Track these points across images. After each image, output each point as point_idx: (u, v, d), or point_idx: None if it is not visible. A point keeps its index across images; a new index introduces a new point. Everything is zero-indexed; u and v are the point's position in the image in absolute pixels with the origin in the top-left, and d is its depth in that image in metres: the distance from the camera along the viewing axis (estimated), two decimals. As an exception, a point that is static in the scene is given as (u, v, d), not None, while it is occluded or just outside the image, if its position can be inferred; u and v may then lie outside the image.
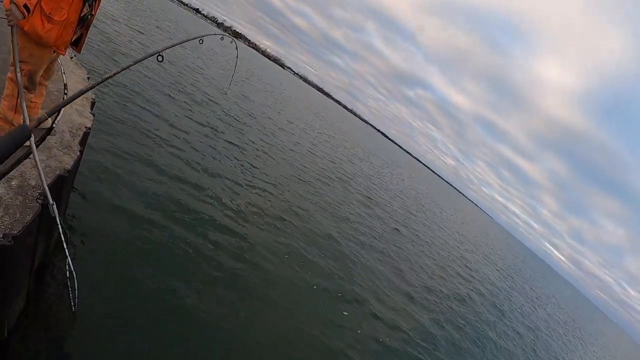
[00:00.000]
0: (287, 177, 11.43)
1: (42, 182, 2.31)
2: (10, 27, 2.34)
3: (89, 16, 2.93)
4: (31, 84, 2.76)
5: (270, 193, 9.06)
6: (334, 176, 15.65)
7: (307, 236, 8.04)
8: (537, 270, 66.55)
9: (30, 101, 3.01)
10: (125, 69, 1.96)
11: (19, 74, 2.44)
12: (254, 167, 10.19)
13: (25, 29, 2.50)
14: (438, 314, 8.82)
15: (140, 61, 2.08)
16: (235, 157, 10.02)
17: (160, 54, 2.11)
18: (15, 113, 2.69)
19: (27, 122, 2.29)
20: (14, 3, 2.19)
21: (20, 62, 2.56)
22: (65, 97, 4.02)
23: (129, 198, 5.34)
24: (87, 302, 3.39)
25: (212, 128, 11.22)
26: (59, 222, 2.52)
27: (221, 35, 3.87)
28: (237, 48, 4.63)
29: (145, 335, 3.63)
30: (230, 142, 10.93)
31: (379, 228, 12.45)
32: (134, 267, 4.22)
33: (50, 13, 2.54)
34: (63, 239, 2.61)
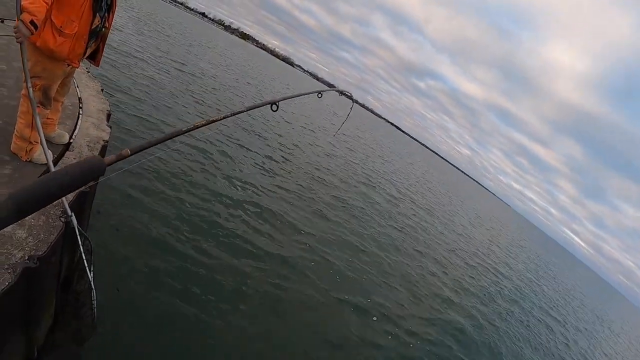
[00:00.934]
0: (313, 180, 11.46)
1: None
2: (19, 44, 2.33)
3: (103, 29, 2.92)
4: (46, 99, 2.76)
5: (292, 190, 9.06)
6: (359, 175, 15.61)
7: (332, 239, 8.05)
8: (557, 257, 65.63)
9: (47, 117, 3.02)
10: (237, 113, 1.91)
11: (30, 90, 2.43)
12: (272, 170, 10.19)
13: (38, 44, 2.50)
14: (469, 308, 8.80)
15: (255, 108, 2.07)
16: (256, 162, 10.04)
17: (276, 103, 2.13)
18: (32, 130, 2.70)
19: (44, 140, 2.31)
20: (21, 20, 2.18)
21: (33, 77, 2.57)
22: (80, 112, 4.03)
23: (148, 212, 5.38)
24: (107, 314, 3.42)
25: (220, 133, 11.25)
26: (78, 235, 2.54)
27: (339, 92, 3.91)
28: (352, 103, 4.63)
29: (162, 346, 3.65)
30: (240, 146, 10.96)
31: (399, 220, 12.38)
32: (152, 281, 4.23)
33: (61, 27, 2.54)
34: (82, 249, 2.60)
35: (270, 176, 9.62)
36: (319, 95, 3.08)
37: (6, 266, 1.87)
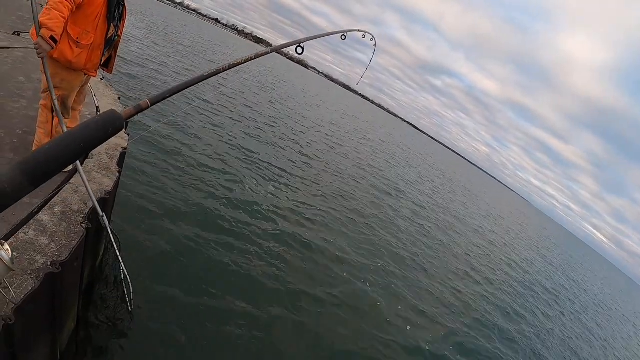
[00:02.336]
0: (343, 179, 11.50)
1: (90, 196, 2.39)
2: (41, 59, 2.40)
3: (116, 37, 2.99)
4: (64, 109, 2.84)
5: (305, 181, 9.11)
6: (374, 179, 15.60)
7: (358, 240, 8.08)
8: (579, 252, 64.69)
9: (66, 126, 3.10)
10: (261, 55, 1.81)
11: (55, 102, 2.51)
12: (296, 175, 10.25)
13: (55, 56, 2.57)
14: (493, 303, 8.72)
15: (280, 49, 2.01)
16: (279, 170, 10.13)
17: (301, 45, 2.07)
18: (51, 139, 2.76)
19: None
20: (41, 36, 2.24)
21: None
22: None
23: (167, 212, 5.49)
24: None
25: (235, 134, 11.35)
26: (110, 233, 2.67)
27: (363, 33, 4.04)
28: (374, 45, 4.74)
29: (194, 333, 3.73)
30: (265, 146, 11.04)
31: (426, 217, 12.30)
32: (174, 279, 4.30)
33: (77, 38, 2.61)
34: (116, 246, 2.69)
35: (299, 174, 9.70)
36: (343, 37, 3.19)
37: (29, 272, 1.93)
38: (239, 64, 1.73)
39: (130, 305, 2.97)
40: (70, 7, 2.37)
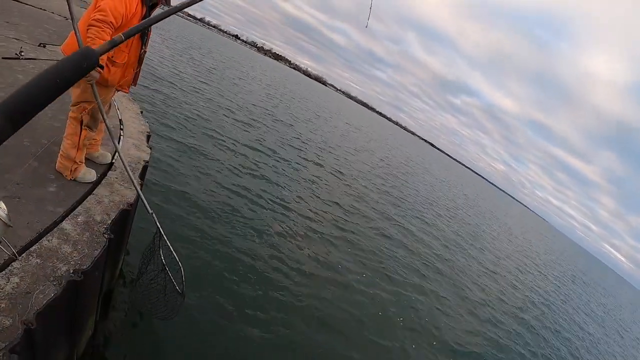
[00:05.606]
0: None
1: (135, 187, 2.45)
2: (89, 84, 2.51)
3: (143, 52, 3.10)
4: (93, 123, 2.94)
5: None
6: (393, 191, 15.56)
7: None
8: (598, 272, 63.16)
9: (92, 139, 3.20)
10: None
11: (106, 120, 2.63)
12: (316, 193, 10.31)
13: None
14: (507, 323, 8.52)
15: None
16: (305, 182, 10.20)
17: None
18: (78, 150, 2.86)
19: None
20: None
21: (84, 102, 2.77)
22: (121, 133, 4.23)
23: (191, 220, 5.70)
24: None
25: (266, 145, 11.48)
26: (159, 227, 2.80)
27: None
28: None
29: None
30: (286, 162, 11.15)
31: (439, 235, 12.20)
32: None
33: (112, 57, 2.73)
34: (165, 238, 2.83)
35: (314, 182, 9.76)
36: None
37: (52, 278, 1.99)
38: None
39: (183, 289, 3.03)
40: (111, 32, 2.48)
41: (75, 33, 2.34)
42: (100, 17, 2.41)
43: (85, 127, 2.87)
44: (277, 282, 5.44)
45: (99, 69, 2.43)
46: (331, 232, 8.22)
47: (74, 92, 2.78)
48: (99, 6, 2.46)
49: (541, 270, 19.34)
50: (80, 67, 1.12)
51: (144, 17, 2.80)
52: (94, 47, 2.36)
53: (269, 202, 8.05)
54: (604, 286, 40.02)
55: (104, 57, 2.48)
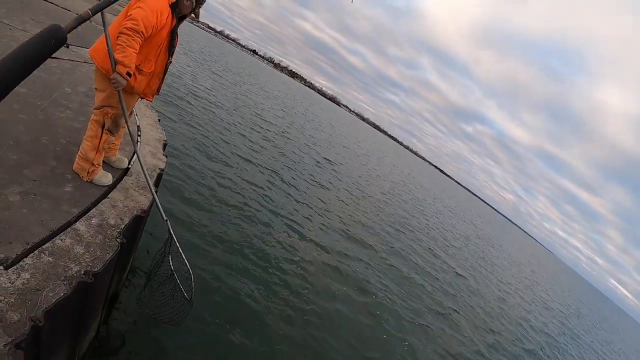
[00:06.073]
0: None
1: (151, 192, 2.46)
2: (117, 90, 2.63)
3: (169, 63, 3.16)
4: (115, 127, 2.98)
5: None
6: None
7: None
8: (603, 307, 61.88)
9: (112, 143, 3.24)
10: None
11: (129, 126, 2.67)
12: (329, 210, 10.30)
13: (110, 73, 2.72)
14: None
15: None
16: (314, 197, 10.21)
17: None
18: (97, 153, 2.89)
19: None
20: (118, 72, 2.46)
21: (107, 106, 2.82)
22: (139, 139, 4.27)
23: (200, 229, 5.74)
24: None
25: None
26: (172, 234, 2.88)
27: None
28: None
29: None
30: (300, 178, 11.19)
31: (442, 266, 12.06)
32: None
33: (140, 65, 2.80)
34: (178, 245, 2.88)
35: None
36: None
37: (62, 278, 1.99)
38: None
39: (192, 295, 3.03)
40: (141, 41, 2.56)
41: (106, 36, 2.41)
42: (132, 25, 2.47)
43: (107, 131, 2.90)
44: (283, 297, 5.43)
45: (127, 77, 2.51)
46: (339, 252, 8.19)
47: (98, 96, 2.83)
48: (131, 15, 2.53)
49: (547, 304, 18.96)
50: (49, 44, 1.12)
51: (172, 30, 2.88)
52: (122, 55, 2.43)
53: (279, 216, 8.07)
54: (610, 323, 39.17)
55: (133, 66, 2.54)
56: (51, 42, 1.13)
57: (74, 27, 1.34)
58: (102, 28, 2.43)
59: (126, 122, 2.78)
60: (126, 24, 2.49)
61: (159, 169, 3.80)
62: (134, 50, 2.51)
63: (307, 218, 9.19)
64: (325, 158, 19.02)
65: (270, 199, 8.84)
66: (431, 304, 8.56)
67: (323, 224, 9.40)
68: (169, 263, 3.02)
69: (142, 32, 2.52)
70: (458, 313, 9.18)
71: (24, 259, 1.97)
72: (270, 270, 5.89)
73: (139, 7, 2.55)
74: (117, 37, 2.49)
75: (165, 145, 4.60)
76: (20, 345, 1.60)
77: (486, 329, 9.36)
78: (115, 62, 2.47)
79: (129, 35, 2.47)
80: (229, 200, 7.34)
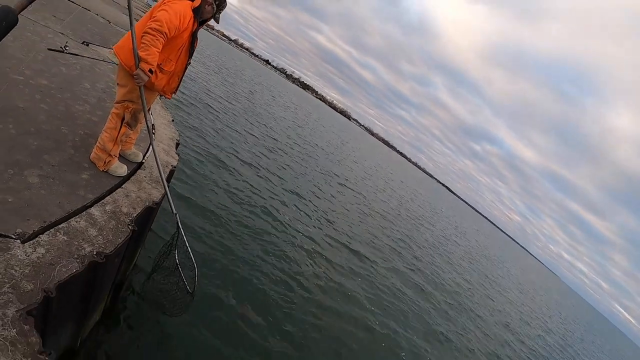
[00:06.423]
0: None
1: (164, 187, 2.57)
2: (138, 86, 2.80)
3: (188, 64, 3.30)
4: (134, 121, 3.12)
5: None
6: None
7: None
8: (606, 332, 60.97)
9: (129, 137, 3.37)
10: None
11: (148, 121, 2.80)
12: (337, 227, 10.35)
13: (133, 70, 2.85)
14: None
15: None
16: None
17: None
18: (114, 144, 3.01)
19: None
20: (141, 69, 2.64)
21: (128, 101, 2.96)
22: (154, 135, 4.38)
23: (207, 226, 5.92)
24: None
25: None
26: (180, 228, 3.04)
27: None
28: None
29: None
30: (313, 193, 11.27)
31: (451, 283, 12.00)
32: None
33: (161, 64, 2.95)
34: (185, 239, 3.03)
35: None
36: None
37: (75, 256, 2.09)
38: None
39: (194, 288, 3.12)
40: (164, 41, 2.73)
41: (132, 35, 2.57)
42: (156, 26, 2.64)
43: (126, 124, 3.05)
44: (285, 300, 5.50)
45: (149, 74, 2.68)
46: (343, 265, 8.23)
47: (119, 91, 2.97)
48: (156, 16, 2.69)
49: (549, 328, 18.71)
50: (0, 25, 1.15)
51: (193, 34, 3.05)
52: (146, 53, 2.58)
53: (284, 223, 8.15)
54: (612, 347, 38.54)
55: (155, 64, 2.72)
56: (2, 23, 1.16)
57: (26, 6, 1.36)
58: (123, 30, 2.59)
59: (145, 117, 2.91)
60: (151, 24, 2.65)
61: (171, 165, 3.91)
62: (157, 50, 2.68)
63: (313, 228, 9.27)
64: (332, 171, 19.11)
65: (276, 209, 8.92)
66: (432, 324, 8.49)
67: (329, 236, 9.47)
68: (175, 256, 3.11)
69: (165, 33, 2.68)
70: (457, 334, 9.12)
71: (40, 236, 2.07)
72: (271, 270, 5.97)
73: (164, 9, 2.72)
74: (142, 36, 2.65)
75: (177, 144, 4.72)
76: (32, 313, 1.69)
77: (485, 352, 9.27)
78: (139, 59, 2.63)
79: (153, 35, 2.63)
80: (232, 206, 7.39)
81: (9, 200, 2.16)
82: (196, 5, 2.94)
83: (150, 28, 2.64)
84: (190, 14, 2.89)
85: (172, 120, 5.64)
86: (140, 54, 2.63)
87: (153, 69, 2.70)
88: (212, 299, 4.57)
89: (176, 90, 3.34)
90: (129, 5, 2.65)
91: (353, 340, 5.78)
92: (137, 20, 2.84)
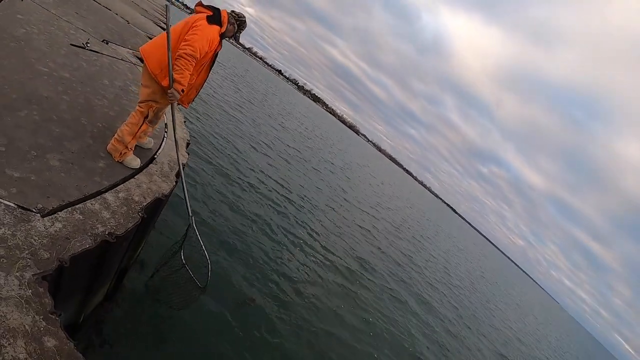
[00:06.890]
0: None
1: (184, 197, 2.78)
2: (171, 103, 3.18)
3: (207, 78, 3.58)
4: (155, 119, 3.47)
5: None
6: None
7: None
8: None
9: (146, 132, 3.62)
10: None
11: (177, 136, 3.12)
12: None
13: (163, 83, 3.12)
14: None
15: None
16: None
17: None
18: (133, 138, 3.21)
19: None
20: (175, 89, 3.01)
21: (151, 100, 3.21)
22: (165, 135, 4.58)
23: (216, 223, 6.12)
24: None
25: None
26: (194, 225, 3.36)
27: None
28: None
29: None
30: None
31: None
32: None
33: None
34: (198, 234, 3.29)
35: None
36: None
37: (89, 234, 2.26)
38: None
39: (207, 282, 3.29)
40: (195, 64, 3.10)
41: (169, 57, 2.94)
42: (190, 52, 2.99)
43: (148, 122, 3.30)
44: (291, 305, 5.64)
45: (181, 93, 3.06)
46: (348, 277, 8.31)
47: (143, 91, 3.21)
48: (189, 41, 3.00)
49: (549, 355, 18.53)
50: None
51: (215, 53, 3.37)
52: (180, 76, 2.98)
53: (284, 231, 8.27)
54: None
55: (186, 85, 3.12)
56: None
57: None
58: (140, 32, 2.87)
59: (174, 131, 3.38)
60: (186, 49, 2.98)
61: (182, 163, 4.09)
62: (189, 73, 3.05)
63: (319, 241, 9.39)
64: (339, 185, 19.25)
65: (276, 209, 9.08)
66: (431, 347, 8.54)
67: (334, 251, 9.57)
68: (181, 256, 3.30)
69: (197, 58, 3.05)
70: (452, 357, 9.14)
71: (59, 212, 2.25)
72: (274, 276, 6.08)
73: (196, 34, 3.05)
74: (176, 58, 2.99)
75: (188, 144, 4.91)
76: (46, 278, 1.87)
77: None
78: (173, 80, 2.98)
79: (187, 60, 2.99)
80: (240, 203, 7.60)
81: (32, 178, 2.35)
82: (223, 31, 3.29)
83: (185, 53, 2.97)
84: (217, 38, 3.25)
85: (184, 122, 5.83)
86: (175, 76, 2.97)
87: (185, 90, 3.06)
88: (212, 297, 4.69)
89: (192, 100, 3.60)
90: (166, 29, 2.97)
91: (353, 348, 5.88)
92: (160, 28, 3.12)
